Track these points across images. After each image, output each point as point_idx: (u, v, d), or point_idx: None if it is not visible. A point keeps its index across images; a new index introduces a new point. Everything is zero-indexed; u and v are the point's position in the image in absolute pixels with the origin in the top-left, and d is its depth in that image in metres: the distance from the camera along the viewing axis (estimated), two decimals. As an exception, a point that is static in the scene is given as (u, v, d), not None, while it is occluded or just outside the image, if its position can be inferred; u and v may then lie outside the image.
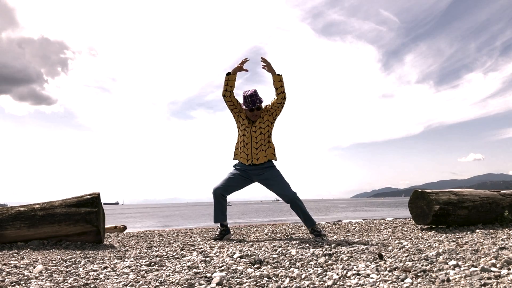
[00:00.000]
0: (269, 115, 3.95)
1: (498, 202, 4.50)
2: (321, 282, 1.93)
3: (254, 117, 3.92)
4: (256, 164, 3.95)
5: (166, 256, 2.78)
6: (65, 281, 2.06)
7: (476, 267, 2.09)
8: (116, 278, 2.11)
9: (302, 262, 2.43)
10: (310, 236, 3.95)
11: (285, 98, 3.91)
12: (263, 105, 3.98)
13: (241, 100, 3.99)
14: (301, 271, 2.18)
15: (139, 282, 2.00)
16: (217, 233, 4.03)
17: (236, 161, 4.12)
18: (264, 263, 2.41)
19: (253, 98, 3.83)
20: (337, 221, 6.70)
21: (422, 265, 2.18)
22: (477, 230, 3.91)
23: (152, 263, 2.51)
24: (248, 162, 3.95)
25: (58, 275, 2.22)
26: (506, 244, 2.92)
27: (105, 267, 2.43)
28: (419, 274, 2.00)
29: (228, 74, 3.97)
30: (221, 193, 3.98)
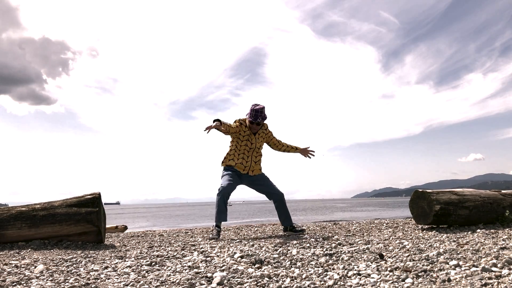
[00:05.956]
0: (267, 137, 4.38)
1: (499, 202, 4.50)
2: (322, 282, 1.93)
3: (253, 129, 4.24)
4: (250, 175, 4.30)
5: (167, 256, 2.78)
6: (66, 281, 2.06)
7: (477, 267, 2.09)
8: (117, 278, 2.12)
9: (303, 262, 2.43)
10: (286, 234, 4.27)
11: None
12: (267, 122, 4.35)
13: (246, 111, 4.27)
14: (301, 271, 2.18)
15: (140, 282, 2.00)
16: (215, 232, 4.04)
17: (226, 166, 4.28)
18: (265, 263, 2.41)
19: (257, 114, 4.16)
20: (337, 221, 6.69)
21: (423, 265, 2.18)
22: (478, 230, 3.91)
23: (153, 263, 2.51)
24: (244, 172, 4.27)
25: (59, 275, 2.23)
26: (507, 244, 2.91)
27: (106, 267, 2.43)
28: (420, 274, 2.00)
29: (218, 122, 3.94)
30: (228, 192, 4.12)
